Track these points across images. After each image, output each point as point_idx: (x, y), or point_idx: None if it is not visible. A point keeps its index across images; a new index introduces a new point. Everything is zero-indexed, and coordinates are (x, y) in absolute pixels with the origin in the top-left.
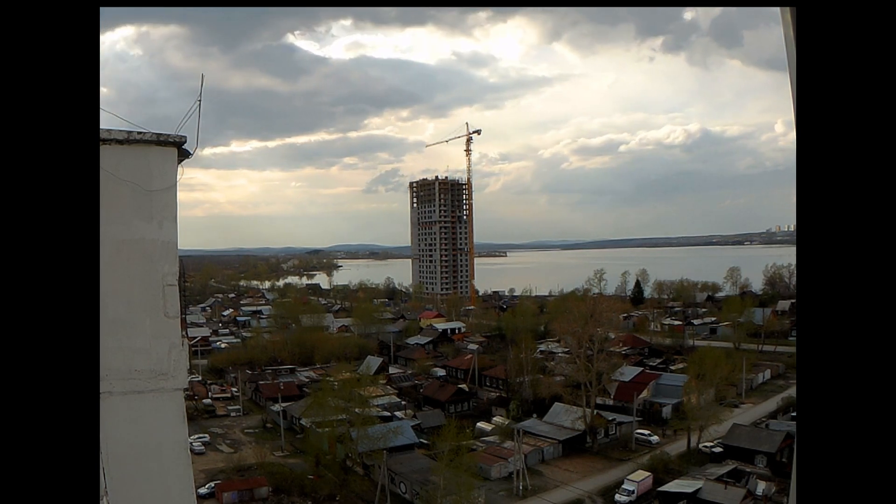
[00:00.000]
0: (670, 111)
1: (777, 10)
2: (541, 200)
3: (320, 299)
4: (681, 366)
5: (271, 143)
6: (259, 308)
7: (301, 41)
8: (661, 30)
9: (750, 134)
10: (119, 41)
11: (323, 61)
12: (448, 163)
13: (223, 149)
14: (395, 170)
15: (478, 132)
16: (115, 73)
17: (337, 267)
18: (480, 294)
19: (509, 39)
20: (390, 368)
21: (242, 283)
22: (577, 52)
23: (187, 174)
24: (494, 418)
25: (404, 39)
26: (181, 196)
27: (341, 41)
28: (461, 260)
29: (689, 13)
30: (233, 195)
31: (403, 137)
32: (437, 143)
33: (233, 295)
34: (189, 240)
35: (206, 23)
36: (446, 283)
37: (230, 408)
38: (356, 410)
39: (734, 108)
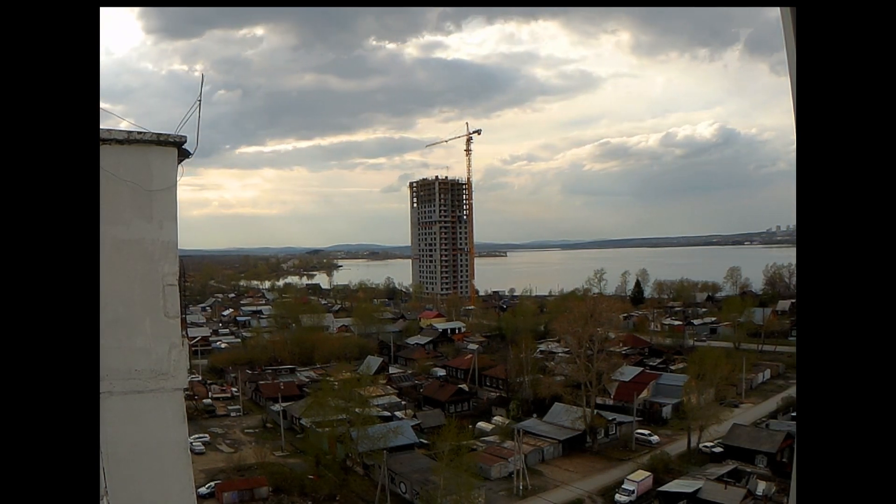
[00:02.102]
0: (701, 112)
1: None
2: (555, 200)
3: (320, 299)
4: (681, 366)
5: (306, 143)
6: (259, 308)
7: (379, 41)
8: (709, 39)
9: (772, 138)
10: (201, 43)
11: (394, 61)
12: (469, 163)
13: (258, 148)
14: (420, 171)
15: (478, 132)
16: (181, 74)
17: (337, 267)
18: (480, 294)
19: (572, 42)
20: (390, 368)
21: (242, 282)
22: (636, 57)
23: (202, 174)
24: (494, 418)
25: (481, 39)
26: (191, 195)
27: (419, 41)
28: (461, 260)
29: (734, 28)
30: (244, 195)
31: (435, 137)
32: (438, 142)
33: (233, 295)
34: (198, 239)
35: (292, 23)
36: (446, 283)
37: (230, 408)
38: (356, 410)
39: (761, 113)
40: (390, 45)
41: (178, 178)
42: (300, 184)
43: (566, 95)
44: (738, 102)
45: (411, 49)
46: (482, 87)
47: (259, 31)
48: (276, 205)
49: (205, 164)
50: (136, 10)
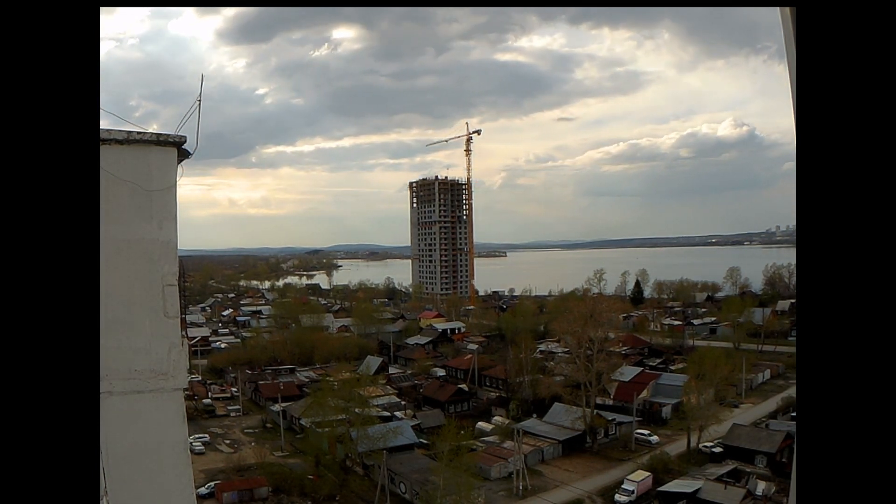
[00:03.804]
0: (722, 114)
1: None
2: (564, 201)
3: (320, 299)
4: (681, 366)
5: (332, 143)
6: (259, 308)
7: (461, 41)
8: (745, 44)
9: (787, 140)
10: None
11: (454, 62)
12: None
13: (280, 148)
14: (440, 172)
15: (478, 132)
16: (243, 76)
17: (337, 267)
18: (480, 294)
19: (620, 47)
20: (390, 368)
21: (242, 283)
22: (676, 62)
23: (219, 174)
24: (494, 418)
25: (546, 41)
26: (202, 195)
27: (490, 43)
28: (461, 260)
29: (765, 34)
30: (253, 195)
31: (459, 141)
32: (437, 141)
33: (233, 295)
34: (206, 239)
35: (371, 24)
36: (446, 283)
37: (230, 408)
38: (356, 410)
39: (778, 116)
40: (461, 46)
41: (178, 178)
42: (312, 184)
43: (604, 98)
44: (759, 105)
45: (477, 51)
46: (529, 88)
47: (336, 32)
48: (286, 204)
49: (223, 165)
50: (205, 12)
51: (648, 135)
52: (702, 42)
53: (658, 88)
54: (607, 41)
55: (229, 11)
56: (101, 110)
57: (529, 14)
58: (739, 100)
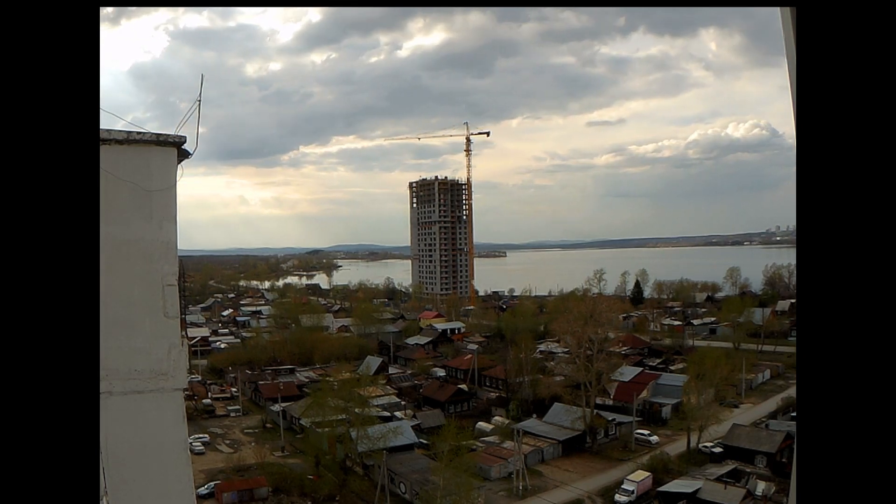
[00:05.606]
0: (743, 116)
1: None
2: (574, 202)
3: (320, 299)
4: (680, 366)
5: (357, 145)
6: (259, 308)
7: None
8: (777, 48)
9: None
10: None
11: (515, 65)
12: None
13: (318, 148)
14: (457, 173)
15: (487, 134)
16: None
17: (337, 267)
18: (480, 294)
19: (678, 52)
20: (390, 368)
21: (242, 283)
22: (714, 64)
23: (234, 174)
24: (494, 418)
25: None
26: (210, 195)
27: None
28: (461, 260)
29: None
30: (266, 195)
31: (488, 141)
32: (429, 136)
33: (232, 295)
34: (215, 239)
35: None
36: (446, 284)
37: (230, 408)
38: (356, 410)
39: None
40: (523, 49)
41: (177, 179)
42: (329, 184)
43: (645, 102)
44: (783, 107)
45: (537, 55)
46: (574, 90)
47: (402, 36)
48: (300, 204)
49: (245, 164)
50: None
51: (670, 136)
52: (746, 51)
53: (695, 93)
54: (658, 47)
55: (296, 25)
56: (113, 113)
57: (584, 16)
58: (767, 102)
